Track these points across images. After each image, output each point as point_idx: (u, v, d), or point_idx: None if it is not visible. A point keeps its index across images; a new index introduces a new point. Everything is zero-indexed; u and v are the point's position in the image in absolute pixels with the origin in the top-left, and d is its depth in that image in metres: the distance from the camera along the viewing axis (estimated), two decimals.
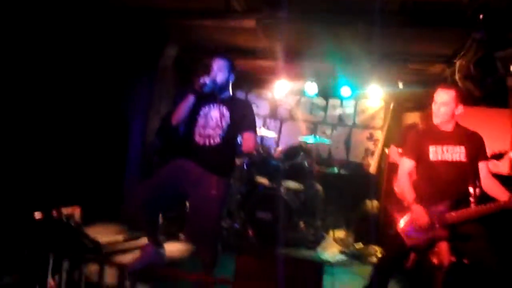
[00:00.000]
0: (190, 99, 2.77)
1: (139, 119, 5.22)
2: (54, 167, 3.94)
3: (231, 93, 2.97)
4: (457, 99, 2.70)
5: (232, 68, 2.91)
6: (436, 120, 2.76)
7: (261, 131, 5.68)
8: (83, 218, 3.98)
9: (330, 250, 4.62)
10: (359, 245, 4.71)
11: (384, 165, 5.40)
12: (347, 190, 5.72)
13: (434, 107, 2.75)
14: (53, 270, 2.65)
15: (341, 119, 7.08)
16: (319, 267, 2.48)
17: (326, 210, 5.57)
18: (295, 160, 5.51)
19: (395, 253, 2.91)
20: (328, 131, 7.06)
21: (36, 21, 3.70)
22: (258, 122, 7.26)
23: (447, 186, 2.67)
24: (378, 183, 5.55)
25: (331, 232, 5.12)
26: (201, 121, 2.80)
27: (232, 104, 2.85)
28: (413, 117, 5.95)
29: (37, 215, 3.25)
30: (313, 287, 2.41)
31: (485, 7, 3.39)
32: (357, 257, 4.41)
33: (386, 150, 5.37)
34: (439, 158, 2.71)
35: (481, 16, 3.34)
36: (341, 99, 7.01)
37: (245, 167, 5.06)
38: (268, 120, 7.41)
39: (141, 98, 5.25)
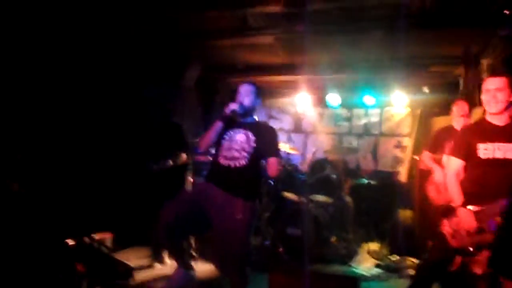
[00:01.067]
0: (219, 125, 2.82)
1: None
2: (86, 194, 4.01)
3: (256, 118, 3.02)
4: (511, 86, 2.47)
5: (258, 93, 2.96)
6: (491, 109, 2.50)
7: (286, 147, 5.63)
8: (114, 243, 4.03)
9: (365, 264, 4.46)
10: (395, 257, 4.53)
11: (415, 172, 5.23)
12: (378, 201, 5.56)
13: (487, 96, 2.50)
14: None
15: (366, 128, 6.95)
16: (354, 283, 2.39)
17: (357, 223, 5.42)
18: (322, 173, 5.42)
19: (438, 257, 2.70)
20: (355, 142, 6.94)
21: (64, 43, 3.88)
22: (282, 137, 7.24)
23: (497, 187, 2.42)
24: (410, 191, 5.37)
25: (364, 245, 4.97)
26: (226, 144, 2.81)
27: (257, 129, 2.87)
28: (442, 122, 5.77)
29: (70, 241, 3.29)
30: None
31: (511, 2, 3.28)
32: (393, 270, 4.23)
33: (416, 157, 5.21)
34: (490, 156, 2.49)
35: (506, 12, 3.22)
36: (366, 108, 6.89)
37: (272, 183, 5.00)
38: (292, 135, 7.36)
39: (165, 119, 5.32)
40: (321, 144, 6.85)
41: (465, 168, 2.59)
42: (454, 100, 4.95)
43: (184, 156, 3.97)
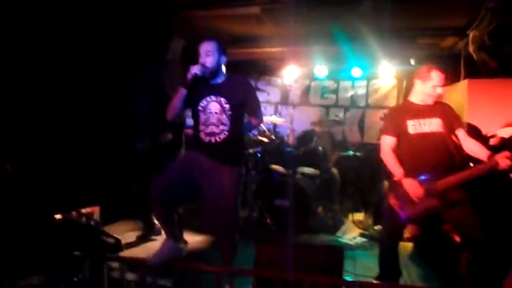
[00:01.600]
0: (181, 92, 2.68)
1: (151, 114, 5.22)
2: (71, 168, 3.98)
3: (224, 76, 2.84)
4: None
5: (221, 49, 2.77)
6: (428, 100, 2.82)
7: (273, 119, 5.64)
8: (102, 217, 4.04)
9: (350, 234, 4.58)
10: (379, 227, 4.66)
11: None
12: (363, 172, 5.65)
13: (429, 88, 2.79)
14: (76, 270, 2.69)
15: (353, 100, 6.98)
16: (339, 252, 2.46)
17: (343, 194, 5.53)
18: (309, 146, 5.47)
19: (391, 229, 2.93)
20: (341, 114, 6.98)
21: (42, 16, 3.73)
22: (270, 109, 7.24)
23: (429, 157, 2.71)
24: None
25: (350, 216, 5.08)
26: (202, 116, 2.73)
27: (229, 90, 2.75)
28: None
29: (57, 216, 3.29)
30: (334, 272, 2.39)
31: None
32: (377, 239, 4.37)
33: None
34: (418, 130, 2.78)
35: None
36: (352, 80, 6.91)
37: (258, 155, 5.03)
38: (280, 107, 7.36)
39: (150, 94, 5.24)
40: (308, 116, 6.87)
41: (399, 144, 2.84)
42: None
43: (169, 135, 3.88)
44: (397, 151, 2.83)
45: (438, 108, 2.84)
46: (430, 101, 2.82)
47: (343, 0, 3.98)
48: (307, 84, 7.20)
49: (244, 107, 2.79)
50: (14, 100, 3.59)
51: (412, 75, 6.08)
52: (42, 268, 2.80)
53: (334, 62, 6.41)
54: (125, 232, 3.90)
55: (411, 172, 2.70)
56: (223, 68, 2.83)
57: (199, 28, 5.25)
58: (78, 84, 4.17)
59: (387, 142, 2.85)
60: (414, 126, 2.78)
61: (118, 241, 3.31)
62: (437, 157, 2.71)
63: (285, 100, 7.33)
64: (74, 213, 3.55)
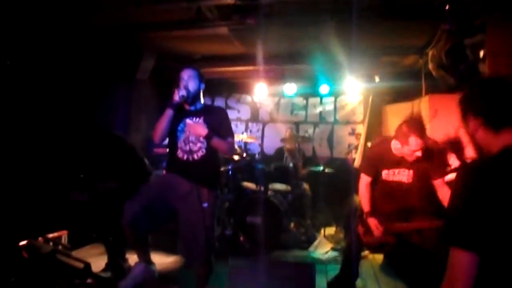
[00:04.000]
0: (169, 113, 2.74)
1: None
2: (35, 194, 3.87)
3: (202, 102, 2.97)
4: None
5: (201, 77, 2.90)
6: (406, 157, 2.94)
7: (244, 137, 5.69)
8: (70, 241, 3.93)
9: (322, 249, 4.64)
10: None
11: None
12: (334, 187, 5.75)
13: (406, 151, 2.89)
14: None
15: (322, 116, 7.14)
16: (310, 268, 2.50)
17: (315, 209, 5.60)
18: (279, 162, 5.54)
19: (353, 248, 3.24)
20: (310, 130, 7.12)
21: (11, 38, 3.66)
22: (241, 127, 7.30)
23: (395, 201, 3.05)
24: None
25: (322, 230, 5.15)
26: (181, 136, 2.80)
27: (208, 114, 2.86)
28: (392, 109, 6.04)
29: (22, 243, 3.18)
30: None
31: None
32: None
33: (369, 144, 5.43)
34: (390, 179, 3.09)
35: (447, 7, 3.41)
36: (321, 97, 7.08)
37: (230, 173, 5.05)
38: (250, 124, 7.42)
39: (120, 113, 5.20)
40: (278, 133, 6.97)
41: (374, 184, 3.18)
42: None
43: (112, 184, 3.59)
44: (372, 187, 3.17)
45: (417, 160, 2.92)
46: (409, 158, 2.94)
47: (308, 21, 4.11)
48: (277, 101, 7.32)
49: (218, 130, 2.83)
50: None
51: (378, 91, 6.42)
52: None
53: (302, 79, 6.58)
54: (94, 256, 3.80)
55: (379, 208, 3.09)
56: (201, 95, 2.94)
57: (168, 48, 5.28)
58: (39, 103, 4.07)
59: (364, 180, 3.19)
60: (387, 175, 3.10)
61: (87, 265, 3.22)
62: (399, 203, 3.04)
63: (255, 118, 7.42)
64: (40, 238, 3.44)
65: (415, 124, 2.84)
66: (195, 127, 2.72)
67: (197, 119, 2.80)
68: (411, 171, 3.01)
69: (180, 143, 2.79)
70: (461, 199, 1.33)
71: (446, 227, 1.34)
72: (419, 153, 2.85)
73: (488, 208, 1.26)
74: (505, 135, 1.39)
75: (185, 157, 2.76)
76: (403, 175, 3.04)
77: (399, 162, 3.02)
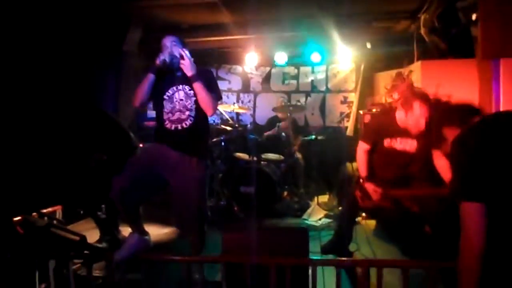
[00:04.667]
0: (150, 77, 2.68)
1: (110, 108, 5.11)
2: (28, 169, 3.83)
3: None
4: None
5: (183, 43, 2.83)
6: (410, 128, 2.91)
7: (236, 107, 5.65)
8: (65, 216, 3.94)
9: (316, 216, 4.71)
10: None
11: (360, 126, 5.47)
12: (327, 155, 5.78)
13: (411, 120, 2.87)
14: (40, 273, 2.63)
15: (313, 85, 7.10)
16: (303, 233, 2.53)
17: (308, 177, 5.65)
18: (272, 132, 5.54)
19: (350, 209, 3.34)
20: (302, 99, 7.08)
21: None
22: (232, 97, 7.24)
23: (395, 167, 3.07)
24: (356, 144, 5.63)
25: (315, 198, 5.21)
26: (167, 105, 2.74)
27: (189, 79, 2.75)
28: (383, 77, 6.01)
29: (17, 218, 3.18)
30: (300, 253, 2.46)
31: None
32: None
33: (361, 112, 5.43)
34: (392, 146, 3.09)
35: None
36: (312, 65, 7.01)
37: (223, 144, 5.05)
38: (241, 95, 7.36)
39: (109, 87, 5.11)
40: (269, 102, 6.94)
41: (373, 150, 3.18)
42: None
43: (101, 156, 3.60)
44: (370, 154, 3.18)
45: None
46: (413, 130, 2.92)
47: None
48: (268, 71, 7.24)
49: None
50: None
51: (369, 58, 6.36)
52: (3, 272, 2.71)
53: (293, 48, 6.47)
54: (90, 230, 3.82)
55: (378, 174, 3.13)
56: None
57: (156, 18, 5.15)
58: (32, 82, 3.99)
59: (362, 147, 3.22)
60: (389, 143, 3.10)
61: (83, 238, 3.24)
62: (399, 170, 3.06)
63: (246, 88, 7.35)
64: (34, 214, 3.44)
65: (417, 90, 2.87)
66: (189, 63, 2.66)
67: (184, 85, 2.73)
68: (414, 141, 3.01)
69: (167, 114, 2.73)
70: (464, 158, 1.58)
71: (454, 185, 1.61)
72: (423, 122, 2.82)
73: (489, 162, 1.51)
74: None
75: (173, 126, 2.71)
76: (407, 144, 3.04)
77: (402, 132, 3.01)
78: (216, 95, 2.79)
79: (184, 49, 2.73)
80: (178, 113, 2.72)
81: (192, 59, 2.76)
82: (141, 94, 2.70)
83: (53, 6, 4.11)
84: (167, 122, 2.73)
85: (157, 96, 2.76)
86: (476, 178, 1.53)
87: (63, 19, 4.28)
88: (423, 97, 2.84)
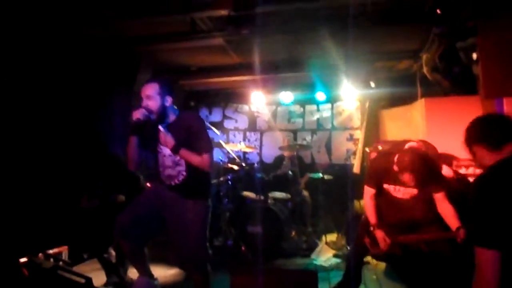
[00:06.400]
0: (132, 140, 2.63)
1: (118, 148, 5.17)
2: (35, 210, 3.86)
3: (172, 116, 2.72)
4: None
5: (165, 90, 2.65)
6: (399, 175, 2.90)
7: (242, 146, 5.70)
8: (71, 256, 3.92)
9: (324, 255, 4.62)
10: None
11: (366, 163, 5.46)
12: (334, 193, 5.75)
13: (403, 178, 2.86)
14: None
15: (319, 123, 7.17)
16: (313, 276, 2.49)
17: (315, 216, 5.59)
18: (279, 171, 5.54)
19: (359, 253, 3.28)
20: (308, 137, 7.14)
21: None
22: (239, 136, 7.32)
23: (400, 214, 3.06)
24: (363, 181, 5.60)
25: (323, 237, 5.14)
26: (160, 159, 2.71)
27: (178, 130, 2.63)
28: (388, 114, 6.07)
29: (23, 260, 3.17)
30: None
31: (442, 1, 3.51)
32: None
33: (367, 149, 5.44)
34: (392, 194, 3.08)
35: (438, 11, 3.45)
36: (317, 104, 7.11)
37: (230, 183, 5.05)
38: (248, 134, 7.44)
39: (118, 126, 5.20)
40: (276, 141, 6.99)
41: (377, 196, 3.15)
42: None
43: (121, 197, 3.64)
44: (377, 198, 3.15)
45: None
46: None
47: (303, 29, 4.15)
48: (274, 110, 7.35)
49: (192, 144, 2.62)
50: None
51: (374, 96, 6.45)
52: None
53: (299, 87, 6.61)
54: (95, 271, 3.78)
55: (385, 218, 3.09)
56: (172, 108, 2.73)
57: (165, 60, 5.32)
58: (44, 120, 4.10)
59: (368, 192, 3.18)
60: (388, 190, 3.09)
61: (89, 280, 3.21)
62: (404, 217, 3.05)
63: (253, 127, 7.44)
64: (40, 255, 3.43)
65: (415, 160, 2.79)
66: (164, 138, 2.56)
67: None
68: (414, 190, 2.98)
69: (160, 167, 2.70)
70: (480, 206, 1.61)
71: (471, 232, 1.69)
72: (413, 185, 2.88)
73: (504, 210, 1.53)
74: (507, 149, 1.71)
75: (167, 181, 2.70)
76: (406, 193, 3.02)
77: (401, 180, 2.96)
78: (206, 152, 2.61)
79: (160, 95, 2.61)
80: (168, 169, 2.68)
81: (169, 103, 2.67)
82: (132, 158, 2.68)
83: (69, 50, 4.29)
84: (161, 175, 2.73)
85: (151, 149, 2.73)
86: (495, 225, 1.53)
87: (77, 61, 4.45)
88: (413, 167, 2.80)
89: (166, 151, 2.65)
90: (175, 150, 2.56)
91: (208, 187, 2.84)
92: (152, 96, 2.60)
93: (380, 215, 3.10)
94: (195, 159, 2.58)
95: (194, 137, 2.60)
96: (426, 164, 2.84)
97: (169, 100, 2.67)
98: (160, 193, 2.74)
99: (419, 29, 4.08)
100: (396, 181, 3.00)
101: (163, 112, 2.65)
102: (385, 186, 3.09)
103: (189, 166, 2.63)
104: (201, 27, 4.05)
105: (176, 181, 2.66)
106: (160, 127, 2.58)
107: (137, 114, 2.54)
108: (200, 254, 2.71)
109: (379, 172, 3.15)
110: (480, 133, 1.81)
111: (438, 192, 2.92)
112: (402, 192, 3.02)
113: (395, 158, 2.89)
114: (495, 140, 1.73)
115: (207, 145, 2.64)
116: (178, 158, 2.63)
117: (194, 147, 2.60)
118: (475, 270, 1.55)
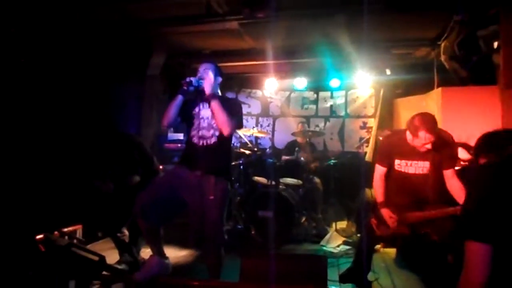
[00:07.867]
0: (178, 98, 2.82)
1: (132, 130, 5.22)
2: (51, 188, 3.94)
3: (219, 93, 3.03)
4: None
5: (217, 71, 2.97)
6: (418, 148, 2.88)
7: (255, 131, 5.70)
8: (85, 235, 4.00)
9: (334, 242, 4.64)
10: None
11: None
12: (345, 181, 5.74)
13: (417, 143, 2.85)
14: None
15: (332, 110, 7.12)
16: (322, 261, 2.50)
17: (326, 203, 5.60)
18: (290, 156, 5.54)
19: (368, 238, 3.21)
20: (321, 124, 7.10)
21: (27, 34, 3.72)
22: (251, 121, 7.31)
23: (409, 192, 3.03)
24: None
25: (333, 224, 5.15)
26: (195, 122, 2.87)
27: (221, 102, 2.85)
28: (403, 103, 6.00)
29: (39, 236, 3.25)
30: (318, 281, 2.43)
31: None
32: None
33: (380, 137, 5.39)
34: (403, 170, 3.04)
35: None
36: (331, 90, 7.05)
37: (241, 168, 5.07)
38: (260, 119, 7.43)
39: (131, 109, 5.25)
40: (288, 127, 6.97)
41: (388, 175, 3.13)
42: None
43: (136, 178, 3.66)
44: (386, 179, 3.13)
45: (431, 151, 2.88)
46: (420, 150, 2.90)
47: (319, 14, 4.09)
48: (287, 96, 7.31)
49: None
50: None
51: (389, 84, 6.37)
52: None
53: (312, 73, 6.55)
54: (109, 250, 3.86)
55: (392, 199, 3.06)
56: (217, 88, 2.99)
57: (178, 44, 5.31)
58: (60, 104, 4.14)
59: (378, 171, 3.16)
60: (399, 166, 3.05)
61: (102, 258, 3.28)
62: (413, 195, 3.01)
63: (266, 112, 7.42)
64: (56, 232, 3.51)
65: (426, 119, 2.81)
66: (207, 83, 2.81)
67: (209, 106, 2.84)
68: (426, 162, 2.96)
69: (194, 129, 2.86)
70: (477, 197, 1.54)
71: (463, 223, 1.56)
72: (429, 146, 2.83)
73: (500, 204, 1.45)
74: None
75: (200, 142, 2.83)
76: (419, 168, 3.00)
77: (413, 153, 2.96)
78: (236, 121, 2.86)
79: (213, 73, 2.90)
80: (203, 130, 2.84)
81: (218, 84, 2.96)
82: (170, 115, 2.81)
83: (82, 34, 4.31)
84: (194, 138, 2.85)
85: (186, 113, 2.89)
86: (490, 218, 1.46)
87: (91, 45, 4.46)
88: (430, 125, 2.79)
89: (204, 114, 2.87)
90: (212, 96, 2.79)
91: (230, 167, 3.03)
92: (208, 71, 2.90)
93: (388, 197, 3.09)
94: (224, 115, 2.76)
95: (230, 110, 2.82)
96: (441, 131, 2.88)
97: (218, 80, 2.98)
98: (181, 175, 2.79)
99: (439, 16, 3.99)
100: (409, 155, 2.98)
101: (213, 87, 2.89)
102: (397, 162, 3.06)
103: (221, 133, 2.80)
104: (216, 10, 4.02)
105: (209, 142, 2.82)
106: (210, 73, 2.88)
107: (190, 79, 2.82)
108: (217, 235, 2.77)
109: (391, 147, 3.12)
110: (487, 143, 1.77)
111: (449, 168, 2.92)
112: (415, 166, 2.99)
113: (412, 119, 2.85)
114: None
115: (238, 120, 2.91)
116: (213, 121, 2.82)
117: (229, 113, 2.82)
118: (465, 263, 1.49)
